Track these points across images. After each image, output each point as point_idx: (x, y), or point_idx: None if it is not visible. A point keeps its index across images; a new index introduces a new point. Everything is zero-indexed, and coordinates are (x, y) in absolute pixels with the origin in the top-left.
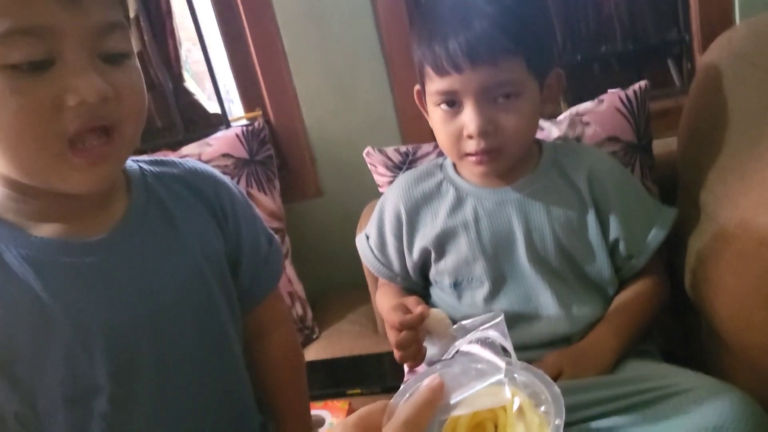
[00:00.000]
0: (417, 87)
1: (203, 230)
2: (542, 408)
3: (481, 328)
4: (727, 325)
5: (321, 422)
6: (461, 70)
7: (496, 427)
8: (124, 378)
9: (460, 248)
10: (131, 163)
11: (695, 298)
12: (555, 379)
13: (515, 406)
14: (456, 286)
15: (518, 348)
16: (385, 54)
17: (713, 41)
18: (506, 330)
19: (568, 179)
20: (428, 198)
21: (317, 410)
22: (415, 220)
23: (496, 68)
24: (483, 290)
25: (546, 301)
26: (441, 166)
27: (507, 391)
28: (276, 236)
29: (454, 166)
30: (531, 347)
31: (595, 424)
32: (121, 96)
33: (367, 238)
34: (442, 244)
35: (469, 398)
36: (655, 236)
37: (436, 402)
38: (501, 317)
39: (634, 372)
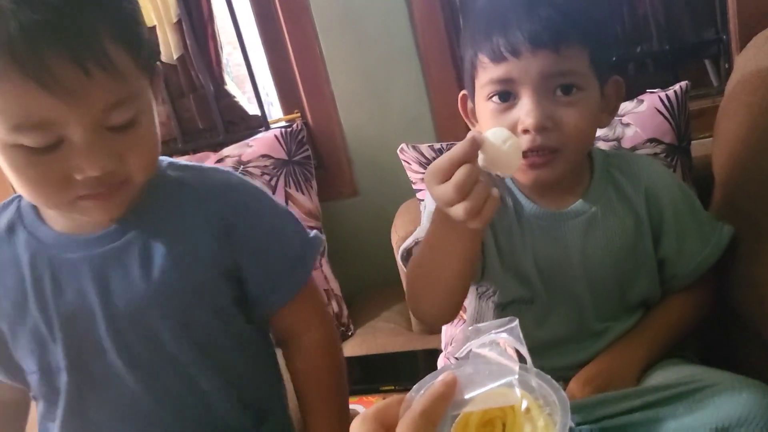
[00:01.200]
0: (462, 92)
1: (192, 241)
2: (548, 410)
3: (494, 331)
4: None
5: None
6: (520, 55)
7: (504, 425)
8: (82, 363)
9: (517, 268)
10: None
11: (738, 302)
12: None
13: (523, 407)
14: (502, 306)
15: (565, 368)
16: (420, 55)
17: (753, 35)
18: (521, 335)
19: (624, 196)
20: None
21: (352, 404)
22: None
23: (559, 55)
24: (532, 313)
25: (592, 323)
26: None
27: (516, 392)
28: (317, 236)
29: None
30: (573, 367)
31: (611, 422)
32: (127, 159)
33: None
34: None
35: (480, 396)
36: (709, 255)
37: (450, 396)
38: (516, 322)
39: (660, 379)
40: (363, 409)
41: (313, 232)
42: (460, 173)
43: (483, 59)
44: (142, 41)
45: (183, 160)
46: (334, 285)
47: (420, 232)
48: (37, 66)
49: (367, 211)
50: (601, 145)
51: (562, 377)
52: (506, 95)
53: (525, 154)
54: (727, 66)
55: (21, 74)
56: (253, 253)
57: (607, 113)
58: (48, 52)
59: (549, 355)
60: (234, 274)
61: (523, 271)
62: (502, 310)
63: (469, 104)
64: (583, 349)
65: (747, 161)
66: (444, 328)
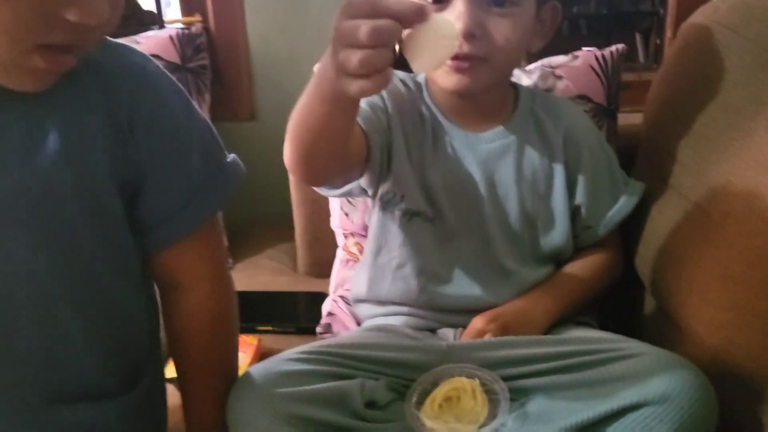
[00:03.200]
0: None
1: (89, 133)
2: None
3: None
4: (679, 299)
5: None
6: None
7: (458, 398)
8: None
9: (425, 181)
10: None
11: (643, 270)
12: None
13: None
14: (408, 215)
15: (474, 299)
16: None
17: (695, 11)
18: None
19: (544, 134)
20: (413, 113)
21: None
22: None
23: None
24: (436, 232)
25: (501, 259)
26: (417, 85)
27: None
28: (234, 164)
29: (427, 86)
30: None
31: (532, 381)
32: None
33: None
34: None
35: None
36: (621, 208)
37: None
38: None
39: (570, 334)
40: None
41: (231, 157)
42: (386, 22)
43: None
44: None
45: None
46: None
47: None
48: None
49: (265, 137)
50: None
51: (471, 309)
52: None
53: (450, 59)
54: (658, 42)
55: None
56: (152, 165)
57: (540, 37)
58: None
59: (457, 281)
60: (129, 188)
61: (430, 185)
62: (408, 222)
63: None
64: (492, 285)
65: (682, 128)
66: (334, 270)
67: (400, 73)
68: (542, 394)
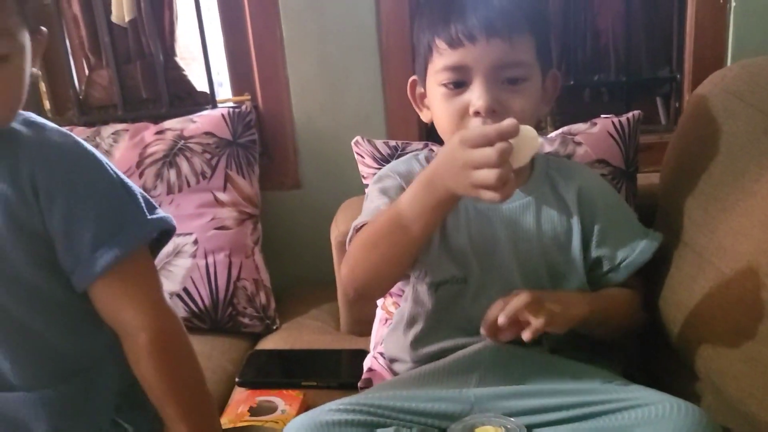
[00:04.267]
0: (412, 78)
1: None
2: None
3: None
4: (697, 351)
5: (273, 408)
6: (476, 41)
7: None
8: None
9: (454, 247)
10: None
11: (664, 321)
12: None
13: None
14: (435, 286)
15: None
16: (381, 51)
17: (706, 78)
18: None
19: (558, 194)
20: None
21: (271, 396)
22: None
23: (510, 45)
24: (466, 292)
25: None
26: (426, 160)
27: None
28: (158, 219)
29: None
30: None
31: (554, 429)
32: None
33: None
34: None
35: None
36: (640, 253)
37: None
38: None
39: (591, 384)
40: (282, 402)
41: (158, 215)
42: (504, 144)
43: (440, 44)
44: None
45: (44, 120)
46: (265, 276)
47: (369, 215)
48: None
49: (309, 205)
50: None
51: None
52: (459, 84)
53: None
54: (677, 105)
55: None
56: (61, 219)
57: (545, 103)
58: None
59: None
60: (42, 237)
61: (458, 249)
62: (436, 290)
63: (419, 89)
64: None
65: (694, 189)
66: (375, 328)
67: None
68: None
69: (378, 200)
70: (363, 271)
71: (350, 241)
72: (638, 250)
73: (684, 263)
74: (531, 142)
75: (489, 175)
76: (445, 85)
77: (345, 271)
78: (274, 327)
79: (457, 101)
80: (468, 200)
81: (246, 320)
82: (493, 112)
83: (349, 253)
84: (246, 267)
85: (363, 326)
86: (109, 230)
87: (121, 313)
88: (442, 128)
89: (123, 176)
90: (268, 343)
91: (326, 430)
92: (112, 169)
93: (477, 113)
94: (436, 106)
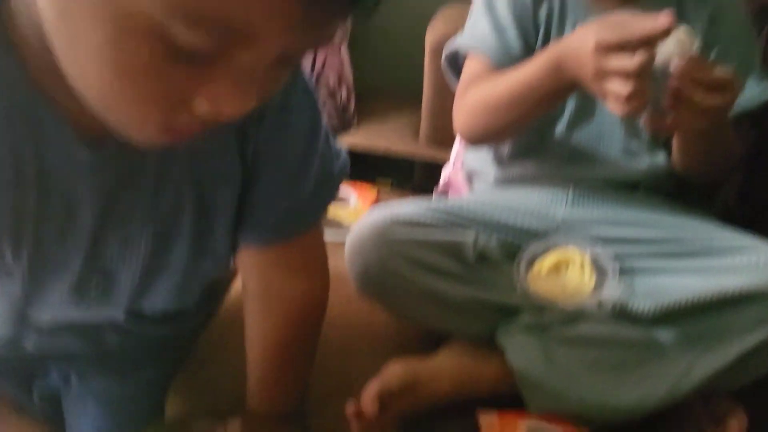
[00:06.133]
0: None
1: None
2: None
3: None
4: None
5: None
6: None
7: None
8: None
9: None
10: None
11: None
12: None
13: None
14: None
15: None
16: None
17: None
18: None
19: (684, 19)
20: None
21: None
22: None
23: None
24: (563, 117)
25: (616, 145)
26: None
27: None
28: (343, 165)
29: None
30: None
31: (643, 262)
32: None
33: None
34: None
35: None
36: (748, 99)
37: None
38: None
39: (690, 221)
40: (354, 195)
41: (340, 158)
42: (644, 58)
43: None
44: None
45: None
46: (348, 72)
47: (472, 39)
48: None
49: (406, 3)
50: None
51: None
52: None
53: None
54: None
55: None
56: (264, 184)
57: None
58: None
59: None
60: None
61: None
62: None
63: None
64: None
65: None
66: (457, 139)
67: None
68: (651, 275)
69: (482, 21)
70: (483, 129)
71: (447, 59)
72: (747, 95)
73: None
74: (683, 46)
75: (620, 89)
76: None
77: (461, 123)
78: (353, 123)
79: None
80: (577, 14)
81: (324, 115)
82: None
83: (466, 107)
84: (330, 62)
85: (445, 134)
86: (310, 196)
87: (292, 280)
88: None
89: None
90: (345, 140)
91: (401, 224)
92: None
93: None
94: None
